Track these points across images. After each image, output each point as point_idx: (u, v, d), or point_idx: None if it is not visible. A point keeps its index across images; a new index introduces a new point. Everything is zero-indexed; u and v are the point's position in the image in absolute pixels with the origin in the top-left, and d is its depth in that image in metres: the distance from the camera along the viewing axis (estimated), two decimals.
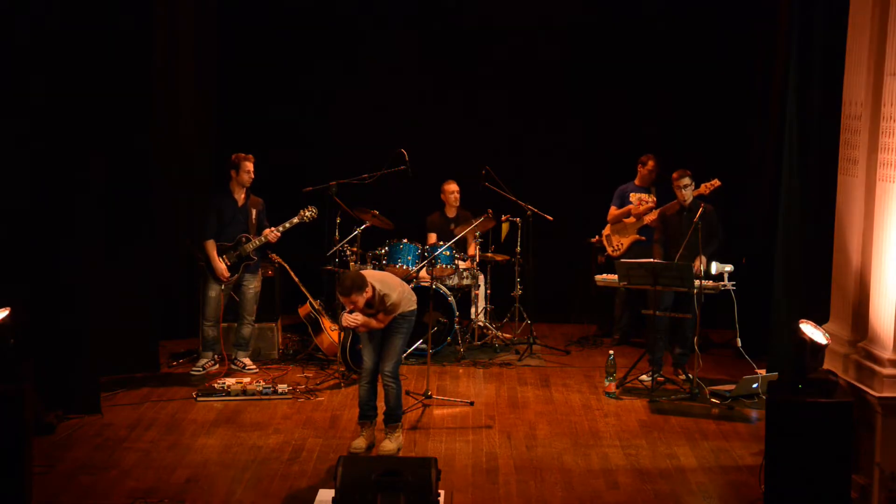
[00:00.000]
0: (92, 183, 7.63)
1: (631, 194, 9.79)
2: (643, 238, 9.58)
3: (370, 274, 7.06)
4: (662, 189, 9.63)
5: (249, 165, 8.70)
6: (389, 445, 7.03)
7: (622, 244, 9.75)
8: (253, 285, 8.87)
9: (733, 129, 10.12)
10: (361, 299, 6.87)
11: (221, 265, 8.64)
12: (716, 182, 8.87)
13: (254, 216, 8.79)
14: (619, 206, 9.81)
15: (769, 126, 9.21)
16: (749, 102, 9.83)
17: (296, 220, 8.78)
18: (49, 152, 7.39)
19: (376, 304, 6.96)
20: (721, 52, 10.16)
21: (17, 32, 7.29)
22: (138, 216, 8.57)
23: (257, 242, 8.73)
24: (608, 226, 9.88)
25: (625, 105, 10.50)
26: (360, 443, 7.07)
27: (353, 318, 6.93)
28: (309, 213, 8.79)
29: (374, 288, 6.92)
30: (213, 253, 8.66)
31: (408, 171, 9.26)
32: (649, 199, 9.71)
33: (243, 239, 8.72)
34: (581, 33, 10.48)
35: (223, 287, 8.73)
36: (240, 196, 8.76)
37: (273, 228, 8.74)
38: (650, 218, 9.48)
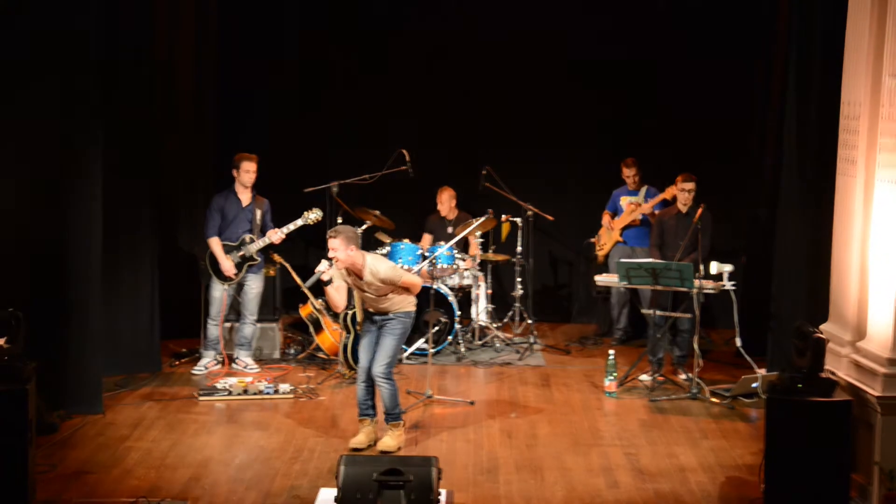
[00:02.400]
0: (93, 183, 7.64)
1: (621, 198, 9.87)
2: (623, 241, 9.66)
3: (371, 254, 7.05)
4: (651, 192, 9.72)
5: (249, 165, 8.70)
6: (389, 442, 7.05)
7: (606, 245, 9.83)
8: (255, 285, 8.89)
9: (734, 128, 10.13)
10: (343, 251, 6.78)
11: (228, 262, 8.66)
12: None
13: (258, 217, 8.80)
14: (611, 211, 9.94)
15: (769, 126, 9.23)
16: (749, 102, 9.84)
17: (300, 222, 8.78)
18: (48, 153, 7.40)
19: (365, 277, 6.89)
20: (721, 51, 10.16)
21: (16, 33, 7.30)
22: (140, 216, 8.60)
23: (261, 243, 8.74)
24: (602, 228, 9.96)
25: (625, 104, 10.51)
26: (359, 439, 7.09)
27: (324, 265, 6.86)
28: (313, 215, 8.79)
29: (364, 258, 6.88)
30: (219, 250, 8.67)
31: (409, 171, 9.28)
32: (638, 202, 9.78)
33: (247, 239, 8.73)
34: (582, 32, 10.49)
35: (226, 286, 8.75)
36: (244, 196, 8.77)
37: (277, 230, 8.75)
38: (636, 213, 9.66)
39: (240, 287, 8.85)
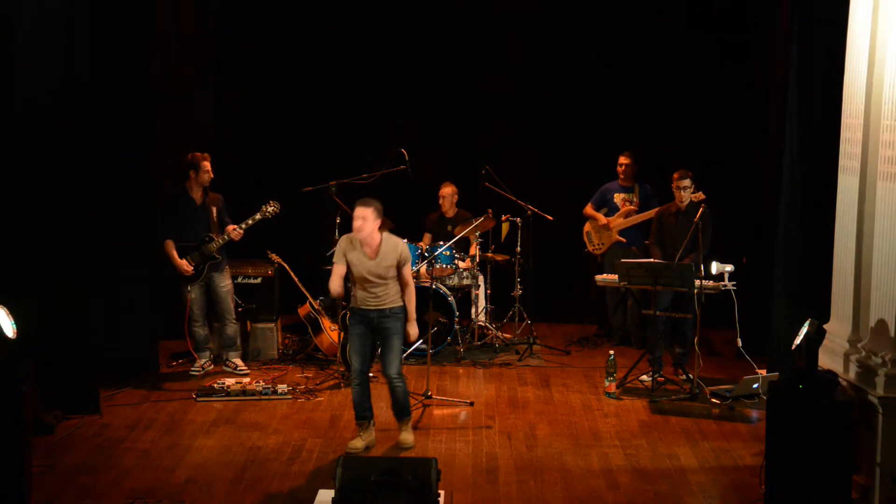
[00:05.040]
0: (92, 183, 7.63)
1: (615, 195, 9.83)
2: (624, 240, 9.64)
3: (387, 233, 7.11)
4: (646, 189, 9.68)
5: (208, 165, 8.63)
6: (410, 438, 7.12)
7: (603, 244, 9.79)
8: (224, 283, 8.77)
9: (734, 129, 10.11)
10: (371, 222, 6.81)
11: (183, 262, 8.55)
12: (700, 195, 8.77)
13: (214, 214, 8.71)
14: (598, 204, 9.90)
15: (770, 125, 9.21)
16: (750, 102, 9.82)
17: (258, 216, 8.67)
18: (49, 154, 7.37)
19: (376, 257, 6.91)
20: (722, 52, 10.14)
21: (17, 31, 7.28)
22: (137, 216, 8.57)
23: (221, 241, 8.64)
24: (588, 222, 9.91)
25: (625, 105, 10.49)
26: (356, 443, 7.07)
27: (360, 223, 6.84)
28: (271, 208, 8.69)
29: (381, 237, 6.92)
30: (173, 252, 8.57)
31: (408, 171, 9.25)
32: (632, 199, 9.73)
33: (206, 238, 8.64)
34: (583, 33, 10.46)
35: (190, 287, 8.61)
36: (198, 195, 8.67)
37: (236, 226, 8.64)
38: (631, 221, 9.61)
39: (207, 288, 8.77)
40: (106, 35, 7.91)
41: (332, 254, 7.02)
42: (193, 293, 8.67)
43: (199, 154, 8.65)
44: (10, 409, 5.89)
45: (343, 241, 7.01)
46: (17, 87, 7.29)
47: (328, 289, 7.08)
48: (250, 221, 8.67)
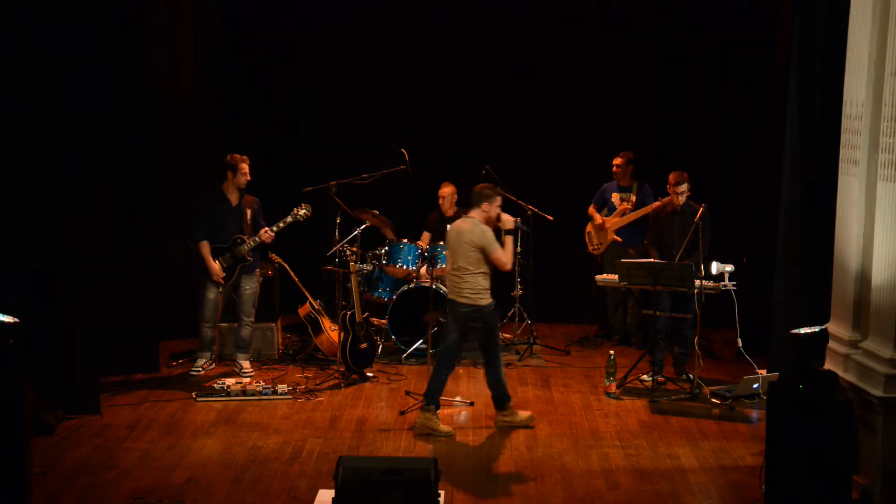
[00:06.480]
0: (92, 184, 7.63)
1: (613, 195, 9.84)
2: (620, 240, 9.64)
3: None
4: (644, 189, 9.68)
5: (246, 167, 8.63)
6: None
7: (601, 244, 9.81)
8: (250, 286, 8.79)
9: (734, 129, 10.11)
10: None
11: (216, 266, 8.57)
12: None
13: (249, 216, 8.71)
14: (598, 204, 9.93)
15: (770, 126, 9.21)
16: (750, 103, 9.82)
17: (290, 219, 8.69)
18: (47, 153, 7.38)
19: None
20: (723, 52, 10.15)
21: (15, 31, 7.28)
22: (138, 217, 8.57)
23: (252, 243, 8.65)
24: (589, 223, 9.93)
25: (626, 106, 10.48)
26: (524, 413, 7.66)
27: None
28: (303, 211, 8.71)
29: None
30: (208, 254, 8.58)
31: (408, 171, 9.25)
32: (629, 198, 9.73)
33: (238, 240, 8.64)
34: (584, 34, 10.47)
35: (220, 289, 8.67)
36: (233, 197, 8.68)
37: (267, 228, 8.66)
38: (626, 220, 9.60)
39: (235, 289, 8.78)
40: (108, 34, 7.93)
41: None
42: (211, 294, 8.66)
43: (237, 156, 8.64)
44: (10, 408, 5.88)
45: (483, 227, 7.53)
46: (16, 85, 7.29)
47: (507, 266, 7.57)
48: (282, 224, 8.67)
